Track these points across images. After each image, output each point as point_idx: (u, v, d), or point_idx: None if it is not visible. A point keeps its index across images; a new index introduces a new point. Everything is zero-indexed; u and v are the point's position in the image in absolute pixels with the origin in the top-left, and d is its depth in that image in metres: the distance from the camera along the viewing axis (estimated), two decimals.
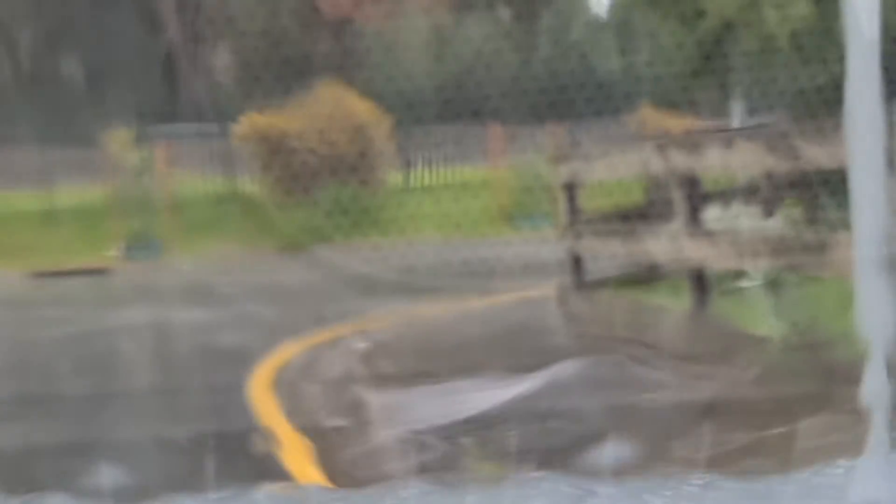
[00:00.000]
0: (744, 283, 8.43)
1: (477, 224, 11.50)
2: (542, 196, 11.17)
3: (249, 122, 12.13)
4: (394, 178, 13.15)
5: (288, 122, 11.78)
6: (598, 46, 11.83)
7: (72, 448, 6.14)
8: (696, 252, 8.19)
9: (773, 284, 8.04)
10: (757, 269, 8.10)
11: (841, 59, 2.68)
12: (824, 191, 7.63)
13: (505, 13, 10.75)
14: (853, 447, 2.67)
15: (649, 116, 12.55)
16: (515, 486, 2.71)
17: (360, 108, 11.97)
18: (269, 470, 5.61)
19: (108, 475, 4.08)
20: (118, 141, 12.88)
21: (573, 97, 9.75)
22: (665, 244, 8.53)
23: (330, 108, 11.78)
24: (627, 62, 9.96)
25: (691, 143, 8.33)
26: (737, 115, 12.09)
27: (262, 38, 10.44)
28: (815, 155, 6.87)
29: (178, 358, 8.79)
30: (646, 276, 9.43)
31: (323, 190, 11.57)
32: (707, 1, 9.33)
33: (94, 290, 11.92)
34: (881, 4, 2.65)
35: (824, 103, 8.71)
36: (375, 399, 6.85)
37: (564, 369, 6.94)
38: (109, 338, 9.86)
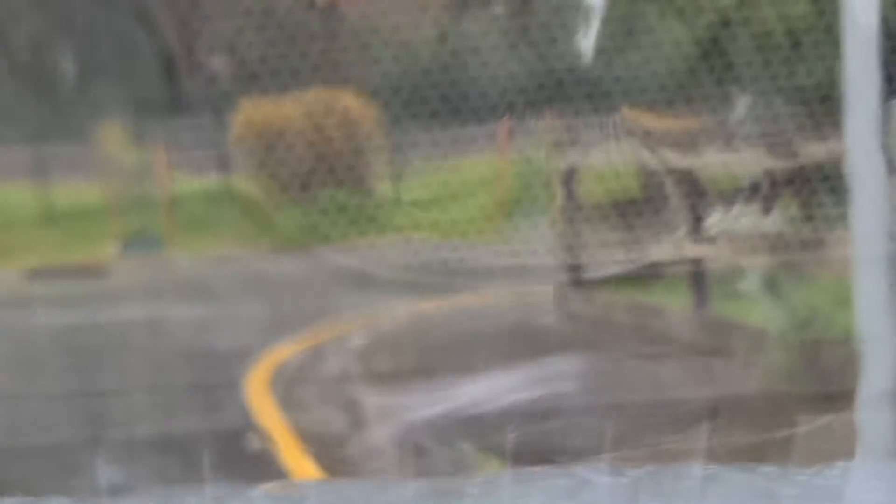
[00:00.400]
0: (742, 282, 8.43)
1: (473, 222, 11.49)
2: (542, 195, 11.17)
3: (244, 121, 12.11)
4: (389, 175, 13.13)
5: (283, 120, 11.76)
6: (597, 42, 11.83)
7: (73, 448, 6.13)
8: (694, 250, 8.18)
9: (771, 283, 8.03)
10: (755, 268, 8.10)
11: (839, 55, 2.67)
12: (823, 187, 7.61)
13: (499, 7, 10.73)
14: (848, 448, 2.66)
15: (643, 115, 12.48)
16: (513, 481, 2.70)
17: (355, 105, 11.95)
18: (266, 467, 5.60)
19: (102, 473, 4.07)
20: (116, 138, 12.88)
21: (570, 93, 9.74)
22: (664, 242, 8.52)
23: (325, 105, 11.76)
24: (625, 58, 9.94)
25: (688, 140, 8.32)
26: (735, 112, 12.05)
27: (256, 34, 10.42)
28: (814, 152, 6.86)
29: (180, 351, 8.79)
30: (644, 275, 9.42)
31: (320, 188, 11.56)
32: None
33: (95, 285, 11.93)
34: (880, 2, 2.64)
35: (823, 101, 8.69)
36: (373, 396, 6.84)
37: (562, 366, 6.93)
38: (113, 329, 9.90)
